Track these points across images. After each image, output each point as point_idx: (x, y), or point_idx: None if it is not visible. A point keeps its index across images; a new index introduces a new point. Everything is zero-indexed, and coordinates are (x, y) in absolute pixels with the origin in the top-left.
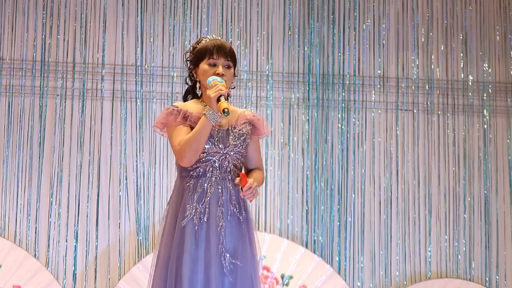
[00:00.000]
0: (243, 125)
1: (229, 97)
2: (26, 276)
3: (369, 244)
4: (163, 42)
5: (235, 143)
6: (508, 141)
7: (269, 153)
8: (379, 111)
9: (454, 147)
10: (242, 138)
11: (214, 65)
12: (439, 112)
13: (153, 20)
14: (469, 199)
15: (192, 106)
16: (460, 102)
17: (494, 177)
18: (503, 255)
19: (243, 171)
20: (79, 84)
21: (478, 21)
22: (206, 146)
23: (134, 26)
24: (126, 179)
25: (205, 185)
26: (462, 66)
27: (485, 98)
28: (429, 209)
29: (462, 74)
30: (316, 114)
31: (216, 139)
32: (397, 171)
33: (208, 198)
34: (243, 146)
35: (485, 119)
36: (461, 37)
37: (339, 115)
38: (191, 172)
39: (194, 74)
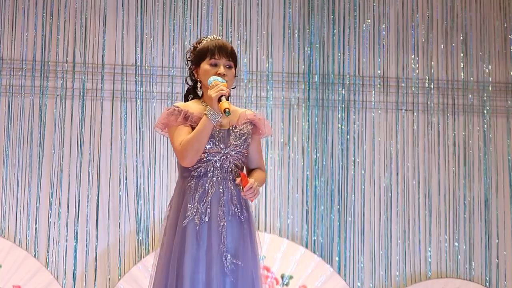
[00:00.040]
0: (244, 125)
1: (229, 97)
2: (26, 276)
3: (369, 244)
4: (163, 42)
5: (236, 143)
6: (508, 141)
7: (269, 153)
8: (379, 111)
9: (454, 147)
10: (243, 138)
11: (216, 65)
12: (439, 112)
13: (153, 20)
14: (469, 199)
15: (193, 106)
16: (460, 102)
17: (494, 177)
18: (503, 255)
19: (244, 171)
20: (79, 84)
21: (478, 21)
22: (207, 146)
23: (134, 26)
24: (126, 179)
25: (206, 185)
26: (462, 66)
27: (485, 98)
28: (429, 209)
29: (462, 74)
30: (316, 114)
31: (217, 139)
32: (397, 171)
33: (210, 198)
34: (244, 146)
35: (485, 119)
36: (461, 37)
37: (339, 115)
38: (192, 172)
39: (195, 74)
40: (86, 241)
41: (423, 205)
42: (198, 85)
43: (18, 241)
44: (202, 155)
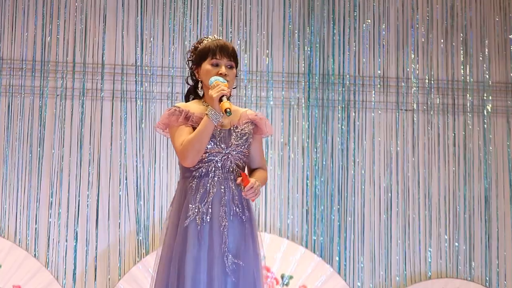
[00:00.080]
0: (245, 125)
1: (230, 97)
2: (26, 276)
3: (369, 244)
4: (163, 42)
5: (237, 142)
6: (508, 141)
7: (269, 153)
8: (379, 111)
9: (454, 147)
10: (244, 137)
11: (217, 65)
12: (439, 112)
13: (153, 20)
14: (469, 199)
15: (194, 106)
16: (460, 102)
17: (494, 177)
18: (503, 255)
19: (246, 171)
20: (79, 84)
21: (478, 21)
22: (208, 146)
23: (134, 26)
24: (126, 179)
25: (208, 185)
26: (462, 66)
27: (485, 98)
28: (429, 209)
29: (462, 74)
30: (316, 114)
31: (218, 139)
32: (397, 171)
33: (211, 198)
34: (245, 146)
35: (485, 119)
36: (461, 37)
37: (339, 115)
38: (194, 173)
39: (196, 74)
40: (86, 241)
41: (423, 205)
42: (199, 85)
43: (18, 241)
44: (203, 155)
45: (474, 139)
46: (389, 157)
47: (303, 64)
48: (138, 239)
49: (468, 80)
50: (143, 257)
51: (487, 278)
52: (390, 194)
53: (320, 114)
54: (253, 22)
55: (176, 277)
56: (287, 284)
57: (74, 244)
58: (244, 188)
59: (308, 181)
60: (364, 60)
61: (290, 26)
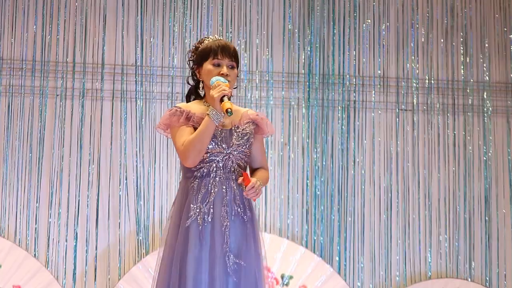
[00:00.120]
0: (247, 125)
1: (231, 97)
2: (26, 276)
3: (369, 244)
4: (163, 42)
5: (239, 142)
6: (508, 141)
7: (269, 153)
8: (379, 111)
9: (454, 147)
10: (245, 137)
11: (218, 65)
12: (439, 112)
13: (153, 20)
14: (469, 199)
15: (195, 106)
16: (460, 102)
17: (494, 177)
18: (503, 255)
19: (247, 171)
20: (79, 84)
21: (478, 21)
22: (210, 146)
23: (134, 26)
24: (126, 179)
25: (209, 185)
26: (462, 66)
27: (485, 98)
28: (429, 209)
29: (462, 74)
30: (316, 114)
31: (220, 139)
32: (397, 171)
33: (212, 198)
34: (247, 146)
35: (485, 119)
36: (461, 37)
37: (339, 115)
38: (195, 173)
39: (197, 74)
40: (86, 241)
41: (423, 205)
42: (200, 85)
43: (18, 241)
44: (205, 155)
45: (474, 139)
46: (389, 157)
47: (303, 64)
48: (138, 239)
49: (468, 80)
50: (143, 257)
51: (487, 278)
52: (390, 194)
53: (320, 114)
54: (253, 22)
55: (177, 277)
56: (287, 284)
57: (74, 244)
58: (245, 187)
59: (308, 181)
60: (364, 60)
61: (290, 26)
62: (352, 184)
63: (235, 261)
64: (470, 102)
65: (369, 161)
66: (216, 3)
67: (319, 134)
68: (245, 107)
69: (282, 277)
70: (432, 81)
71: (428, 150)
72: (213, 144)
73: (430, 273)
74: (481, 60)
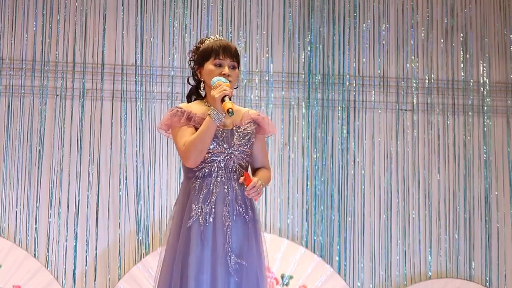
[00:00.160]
0: (248, 125)
1: (231, 98)
2: (26, 276)
3: (369, 244)
4: (163, 42)
5: (240, 142)
6: (508, 141)
7: (269, 153)
8: (379, 111)
9: (454, 147)
10: (246, 137)
11: (220, 65)
12: (439, 112)
13: (153, 20)
14: (469, 199)
15: (196, 107)
16: (460, 102)
17: (494, 177)
18: (503, 255)
19: (249, 170)
20: (79, 84)
21: (478, 21)
22: (211, 147)
23: (134, 26)
24: (126, 179)
25: (211, 185)
26: (462, 66)
27: (485, 98)
28: (429, 209)
29: (462, 74)
30: (316, 114)
31: (221, 139)
32: (397, 171)
33: (214, 198)
34: (248, 146)
35: (485, 119)
36: (461, 37)
37: (339, 115)
38: (197, 173)
39: (198, 74)
40: (86, 241)
41: (423, 205)
42: (202, 85)
43: (18, 241)
44: (206, 155)
45: (474, 139)
46: (389, 157)
47: (303, 64)
48: (138, 239)
49: (468, 80)
50: (143, 257)
51: (487, 278)
52: (390, 194)
53: (320, 114)
54: (253, 22)
55: (179, 277)
56: (287, 284)
57: (74, 244)
58: (246, 187)
59: (308, 181)
60: (364, 60)
61: (290, 26)
62: (352, 184)
63: (237, 261)
64: (470, 102)
65: (369, 161)
66: (216, 3)
67: (319, 134)
68: (245, 107)
69: (282, 277)
70: (432, 81)
71: (428, 150)
72: (215, 144)
73: (430, 273)
74: (481, 60)
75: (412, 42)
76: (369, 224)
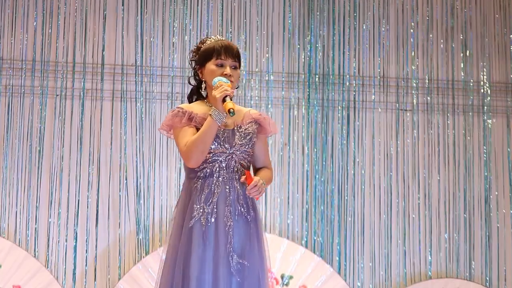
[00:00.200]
0: (249, 125)
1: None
2: (26, 276)
3: (369, 244)
4: (163, 42)
5: (241, 142)
6: (508, 141)
7: (269, 153)
8: (379, 111)
9: (454, 147)
10: (248, 137)
11: (222, 65)
12: (439, 112)
13: (153, 20)
14: (469, 199)
15: (197, 107)
16: (460, 102)
17: (494, 177)
18: (503, 255)
19: (251, 170)
20: (79, 84)
21: (478, 21)
22: (212, 147)
23: (134, 26)
24: (126, 179)
25: (212, 185)
26: (462, 66)
27: (485, 98)
28: (429, 209)
29: (462, 74)
30: (316, 114)
31: (222, 139)
32: (397, 171)
33: (216, 199)
34: (249, 145)
35: (485, 119)
36: (461, 37)
37: (339, 115)
38: (198, 173)
39: (199, 74)
40: (86, 241)
41: (423, 205)
42: (203, 85)
43: (18, 241)
44: (208, 155)
45: (474, 139)
46: (389, 157)
47: (303, 64)
48: (138, 239)
49: (468, 80)
50: (143, 257)
51: (487, 278)
52: (390, 194)
53: (320, 114)
54: (253, 22)
55: (181, 278)
56: (287, 284)
57: (74, 244)
58: (247, 186)
59: (308, 181)
60: (364, 60)
61: (290, 26)
62: (352, 184)
63: (239, 261)
64: (470, 102)
65: (369, 161)
66: (216, 3)
67: (319, 134)
68: (245, 107)
69: (282, 277)
70: (432, 81)
71: (428, 150)
72: (216, 144)
73: (430, 273)
74: (481, 60)
75: (412, 42)
76: (369, 224)
